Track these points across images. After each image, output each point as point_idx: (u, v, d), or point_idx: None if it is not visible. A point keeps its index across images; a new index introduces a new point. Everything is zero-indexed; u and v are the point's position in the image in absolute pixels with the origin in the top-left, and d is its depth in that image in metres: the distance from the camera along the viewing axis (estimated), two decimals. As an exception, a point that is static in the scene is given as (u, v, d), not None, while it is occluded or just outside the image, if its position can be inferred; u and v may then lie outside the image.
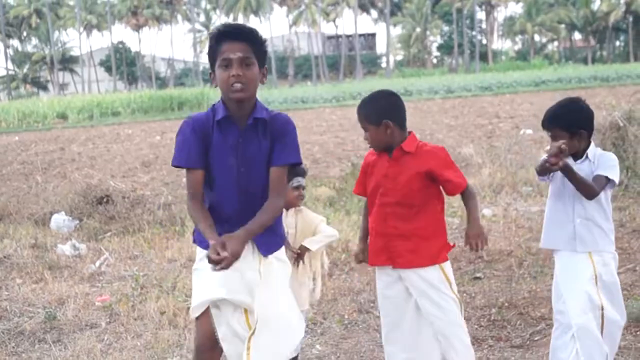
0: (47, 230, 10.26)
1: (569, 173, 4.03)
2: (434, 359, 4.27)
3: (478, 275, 7.20)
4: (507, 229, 8.75)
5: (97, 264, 8.40)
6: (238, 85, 3.49)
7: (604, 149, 9.96)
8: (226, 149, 3.62)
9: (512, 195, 11.01)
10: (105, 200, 10.72)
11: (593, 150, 4.26)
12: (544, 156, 4.17)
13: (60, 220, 10.51)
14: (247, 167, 3.64)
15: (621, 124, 10.12)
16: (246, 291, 3.62)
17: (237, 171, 3.63)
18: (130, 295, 7.01)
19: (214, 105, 3.70)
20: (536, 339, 5.45)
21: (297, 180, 4.77)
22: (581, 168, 4.18)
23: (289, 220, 4.81)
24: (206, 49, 3.78)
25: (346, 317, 6.22)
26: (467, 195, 4.21)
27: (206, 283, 3.64)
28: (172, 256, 8.53)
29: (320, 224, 4.96)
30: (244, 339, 3.60)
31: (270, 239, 3.72)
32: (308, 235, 4.84)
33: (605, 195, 4.23)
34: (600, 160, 4.21)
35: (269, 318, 3.61)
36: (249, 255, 3.61)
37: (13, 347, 5.95)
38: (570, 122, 4.18)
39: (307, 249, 4.75)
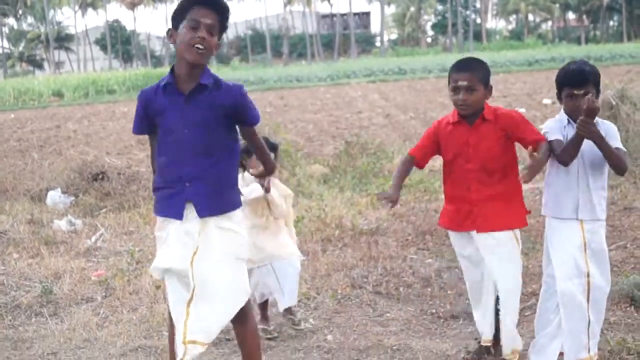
0: (43, 207, 10.24)
1: (602, 143, 4.03)
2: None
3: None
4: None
5: (93, 239, 8.40)
6: (200, 47, 3.60)
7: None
8: (170, 112, 3.72)
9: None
10: (100, 176, 10.70)
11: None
12: (548, 124, 4.33)
13: (56, 196, 10.49)
14: (190, 129, 3.70)
15: (614, 103, 10.10)
16: (182, 259, 3.73)
17: (180, 134, 3.71)
18: (125, 270, 7.01)
19: (168, 73, 3.78)
20: (527, 314, 5.45)
21: None
22: None
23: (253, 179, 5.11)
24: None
25: (339, 292, 6.22)
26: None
27: (163, 251, 3.81)
28: (167, 232, 8.53)
29: (283, 192, 5.45)
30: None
31: (212, 201, 3.76)
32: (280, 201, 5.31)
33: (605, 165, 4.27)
34: (608, 131, 4.20)
35: (203, 284, 3.72)
36: (191, 219, 3.73)
37: (10, 320, 5.97)
38: (598, 80, 4.22)
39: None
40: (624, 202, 8.55)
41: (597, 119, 4.25)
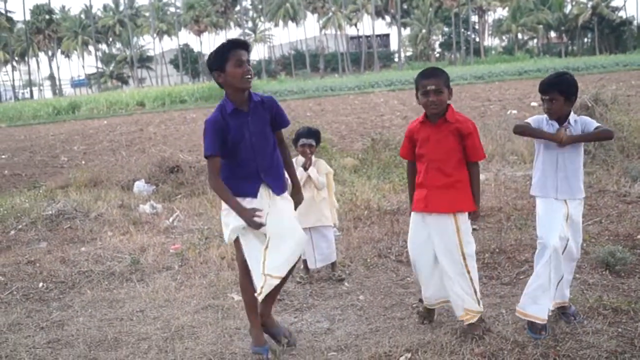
0: (130, 194, 10.31)
1: (580, 139, 4.24)
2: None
3: (474, 227, 7.09)
4: (498, 190, 8.65)
5: (171, 219, 8.42)
6: (248, 77, 3.99)
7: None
8: (241, 128, 4.03)
9: (501, 163, 10.88)
10: (175, 169, 10.75)
11: (573, 116, 4.32)
12: (532, 118, 4.43)
13: (140, 185, 10.56)
14: (257, 136, 4.07)
15: (589, 105, 9.94)
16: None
17: (249, 141, 4.04)
18: (197, 244, 7.04)
19: (219, 105, 4.07)
20: (521, 277, 5.41)
21: (302, 141, 5.69)
22: (568, 130, 4.24)
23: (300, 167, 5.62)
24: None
25: (368, 260, 6.17)
26: None
27: (234, 218, 4.04)
28: (229, 213, 8.54)
29: (324, 169, 5.79)
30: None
31: (279, 183, 4.23)
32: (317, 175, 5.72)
33: (581, 147, 4.33)
34: (584, 122, 4.30)
35: (276, 234, 4.07)
36: (265, 197, 4.13)
37: (106, 285, 6.02)
38: (565, 88, 4.23)
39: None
40: (599, 186, 8.40)
41: (575, 117, 4.28)
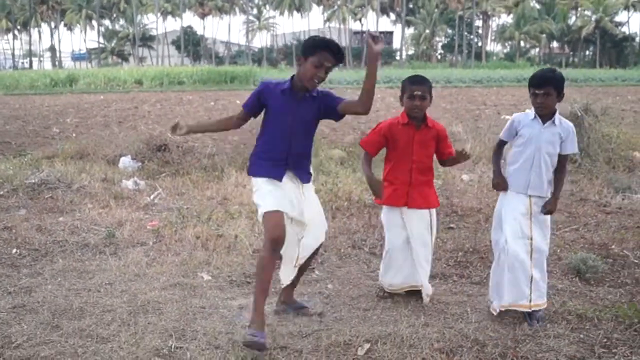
0: (115, 169, 10.25)
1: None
2: None
3: (451, 225, 7.14)
4: (480, 192, 8.66)
5: (152, 197, 8.41)
6: (317, 81, 4.06)
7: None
8: (286, 106, 4.12)
9: (488, 165, 10.82)
10: (163, 148, 10.72)
11: (558, 116, 4.43)
12: (516, 115, 4.58)
13: (126, 161, 10.51)
14: (299, 124, 4.13)
15: (579, 114, 9.96)
16: (292, 207, 4.15)
17: (289, 126, 4.11)
18: (174, 222, 7.02)
19: (289, 79, 4.18)
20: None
21: None
22: (549, 130, 4.39)
23: None
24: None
25: (342, 251, 6.19)
26: None
27: (272, 197, 4.09)
28: (210, 195, 8.53)
29: None
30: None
31: (305, 175, 4.30)
32: None
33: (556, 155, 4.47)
34: (568, 129, 4.42)
35: (311, 223, 4.29)
36: (293, 182, 4.22)
37: (79, 256, 6.01)
38: (558, 83, 4.34)
39: None
40: (580, 194, 8.43)
41: (559, 118, 4.34)
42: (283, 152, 4.15)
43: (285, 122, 4.12)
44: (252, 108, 4.28)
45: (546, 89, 4.31)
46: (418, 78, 4.64)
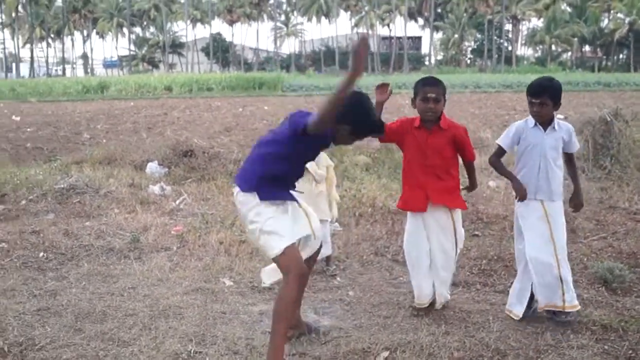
0: (142, 174, 10.32)
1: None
2: None
3: (476, 233, 7.08)
4: (506, 199, 8.54)
5: (177, 202, 8.47)
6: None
7: (594, 140, 9.75)
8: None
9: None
10: (189, 154, 10.79)
11: (556, 120, 4.49)
12: (516, 124, 4.62)
13: (153, 167, 10.59)
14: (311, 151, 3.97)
15: (608, 119, 9.81)
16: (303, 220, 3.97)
17: (305, 153, 3.93)
18: (198, 227, 7.07)
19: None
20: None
21: None
22: (551, 135, 4.44)
23: None
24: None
25: (364, 257, 6.18)
26: None
27: (285, 227, 3.77)
28: (235, 201, 8.54)
29: (324, 162, 5.76)
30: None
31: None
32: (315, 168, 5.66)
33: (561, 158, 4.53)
34: (568, 130, 4.50)
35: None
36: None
37: (103, 260, 6.08)
38: (555, 93, 4.39)
39: None
40: (609, 202, 8.27)
41: (557, 121, 4.39)
42: (294, 178, 4.03)
43: (305, 152, 3.94)
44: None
45: (542, 99, 4.35)
46: (431, 80, 4.54)
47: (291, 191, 3.99)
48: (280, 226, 3.75)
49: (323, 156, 5.75)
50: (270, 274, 4.40)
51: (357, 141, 3.86)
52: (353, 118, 3.62)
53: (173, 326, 4.44)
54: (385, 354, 3.96)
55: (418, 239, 4.63)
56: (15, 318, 4.55)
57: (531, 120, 4.48)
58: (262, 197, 3.78)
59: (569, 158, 4.61)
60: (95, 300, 4.95)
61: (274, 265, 4.05)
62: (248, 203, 3.79)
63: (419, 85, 4.52)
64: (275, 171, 3.80)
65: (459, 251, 4.75)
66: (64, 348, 4.07)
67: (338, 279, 5.60)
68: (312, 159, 4.19)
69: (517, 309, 4.57)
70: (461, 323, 4.55)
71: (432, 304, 4.72)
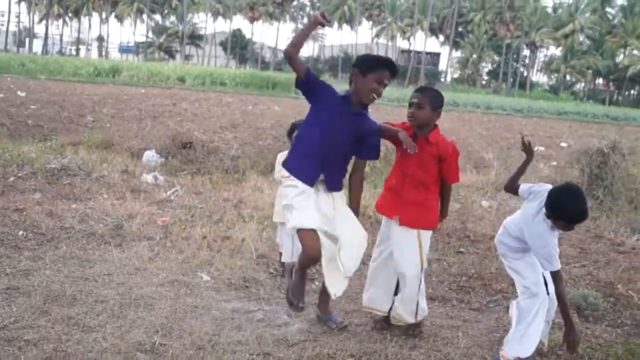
0: (137, 162, 10.30)
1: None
2: None
3: (461, 250, 7.05)
4: (497, 219, 8.50)
5: (168, 193, 8.43)
6: (375, 97, 4.17)
7: (590, 170, 9.70)
8: (334, 113, 4.17)
9: (509, 194, 10.70)
10: (188, 145, 10.78)
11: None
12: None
13: (150, 155, 10.58)
14: (339, 135, 4.16)
15: (605, 151, 9.79)
16: (327, 222, 4.16)
17: (331, 131, 4.15)
18: (184, 220, 7.04)
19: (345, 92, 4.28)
20: (491, 306, 5.37)
21: (297, 132, 5.21)
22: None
23: None
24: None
25: (346, 264, 6.12)
26: None
27: (302, 213, 4.12)
28: (227, 197, 8.51)
29: None
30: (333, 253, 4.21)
31: (335, 185, 4.34)
32: None
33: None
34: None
35: (347, 236, 4.23)
36: (324, 194, 4.25)
37: (83, 244, 6.02)
38: None
39: None
40: (595, 231, 8.26)
41: (534, 187, 4.29)
42: (318, 158, 4.20)
43: (329, 128, 4.17)
44: (310, 84, 4.19)
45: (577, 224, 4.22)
46: (420, 88, 4.55)
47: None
48: (300, 209, 4.17)
49: None
50: (335, 284, 4.41)
51: (378, 87, 4.17)
52: None
53: (142, 316, 4.41)
54: (350, 361, 3.93)
55: (382, 242, 4.67)
56: (-18, 294, 4.53)
57: (549, 224, 4.03)
58: (285, 167, 4.39)
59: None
60: (67, 284, 4.91)
61: (332, 276, 4.35)
62: None
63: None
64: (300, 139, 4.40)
65: (424, 265, 4.51)
66: (27, 329, 4.04)
67: (316, 283, 5.55)
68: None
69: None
70: (430, 337, 4.52)
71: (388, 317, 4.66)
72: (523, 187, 4.36)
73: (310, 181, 4.19)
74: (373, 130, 4.30)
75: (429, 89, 4.49)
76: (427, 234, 4.44)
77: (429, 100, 4.29)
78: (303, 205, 4.13)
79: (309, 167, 4.20)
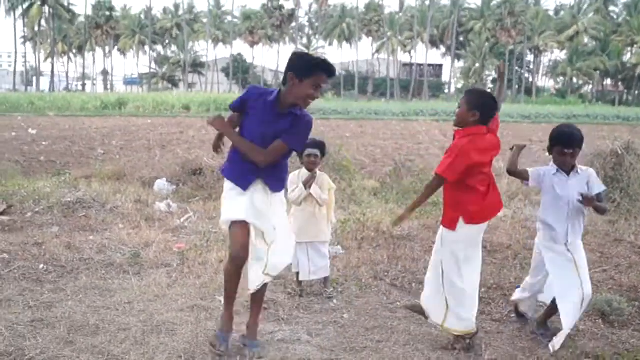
0: (150, 191, 10.43)
1: (598, 209, 4.52)
2: None
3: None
4: (512, 228, 8.54)
5: (182, 219, 8.51)
6: (311, 101, 4.14)
7: (605, 172, 9.73)
8: (264, 116, 4.17)
9: (524, 202, 10.72)
10: (198, 172, 10.88)
11: (577, 165, 4.60)
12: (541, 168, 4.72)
13: (161, 184, 10.69)
14: (271, 136, 4.15)
15: (620, 152, 9.79)
16: (258, 216, 4.24)
17: (262, 135, 4.15)
18: (200, 245, 7.11)
19: (271, 89, 4.25)
20: (512, 316, 5.34)
21: (308, 151, 5.56)
22: (574, 179, 4.56)
23: (305, 178, 5.64)
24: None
25: (363, 281, 6.16)
26: None
27: (233, 207, 4.28)
28: (240, 220, 8.57)
29: (327, 185, 5.74)
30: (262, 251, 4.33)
31: (276, 183, 4.35)
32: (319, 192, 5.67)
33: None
34: (592, 177, 4.59)
35: (280, 235, 4.34)
36: (261, 191, 4.27)
37: (102, 274, 6.11)
38: (582, 144, 4.56)
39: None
40: (615, 235, 8.22)
41: (579, 166, 4.42)
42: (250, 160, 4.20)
43: (260, 132, 4.16)
44: (238, 107, 4.31)
45: (574, 150, 4.48)
46: (466, 89, 4.83)
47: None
48: (231, 203, 4.33)
49: (326, 180, 5.78)
50: (253, 279, 4.49)
51: (314, 92, 4.10)
52: None
53: (164, 342, 4.47)
54: (372, 378, 3.97)
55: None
56: (7, 328, 4.60)
57: (553, 168, 4.62)
58: (222, 172, 4.56)
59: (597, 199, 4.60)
60: (89, 314, 4.99)
61: (254, 270, 4.44)
62: None
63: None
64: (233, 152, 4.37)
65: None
66: None
67: (335, 301, 5.60)
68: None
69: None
70: (453, 350, 4.54)
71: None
72: (534, 170, 4.74)
73: (245, 186, 4.25)
74: (298, 125, 4.22)
75: (470, 90, 4.66)
76: (443, 233, 4.79)
77: (468, 100, 4.46)
78: (235, 198, 4.27)
79: (241, 172, 4.26)
